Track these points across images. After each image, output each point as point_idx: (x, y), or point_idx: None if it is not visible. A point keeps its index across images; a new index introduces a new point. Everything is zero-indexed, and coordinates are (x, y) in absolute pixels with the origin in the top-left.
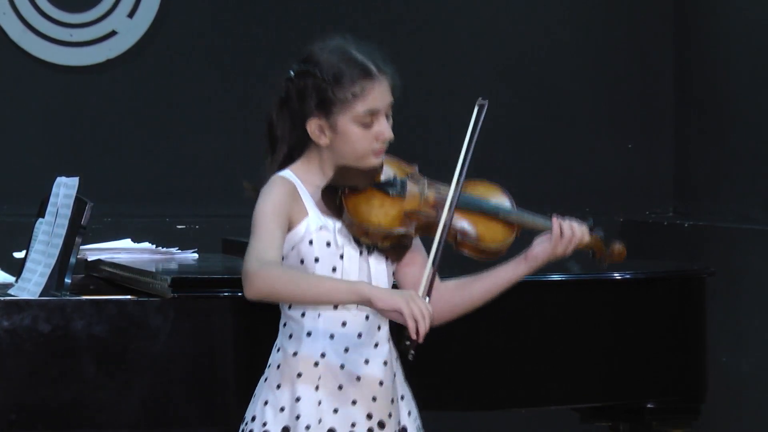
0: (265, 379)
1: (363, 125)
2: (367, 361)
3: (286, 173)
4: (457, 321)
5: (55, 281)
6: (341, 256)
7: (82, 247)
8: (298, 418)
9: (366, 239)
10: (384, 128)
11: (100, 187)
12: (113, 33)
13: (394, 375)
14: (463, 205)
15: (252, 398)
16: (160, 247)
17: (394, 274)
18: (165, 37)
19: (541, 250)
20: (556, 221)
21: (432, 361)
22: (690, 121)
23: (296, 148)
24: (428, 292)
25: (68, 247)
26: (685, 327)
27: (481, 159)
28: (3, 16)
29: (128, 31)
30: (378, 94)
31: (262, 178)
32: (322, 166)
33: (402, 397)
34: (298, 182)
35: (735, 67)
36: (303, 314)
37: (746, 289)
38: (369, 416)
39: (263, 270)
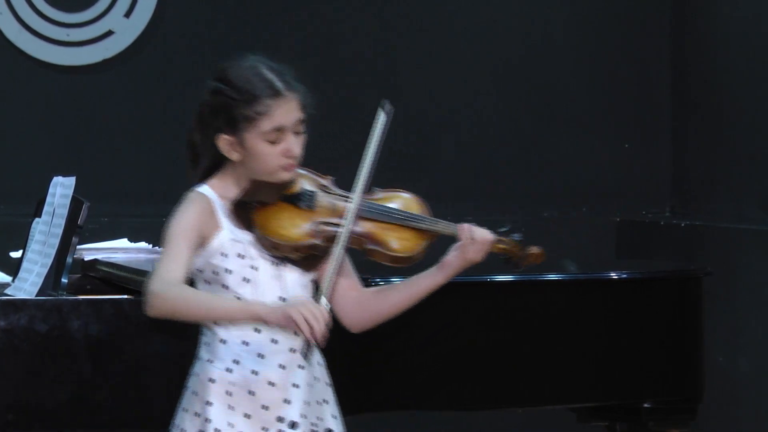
0: (187, 387)
1: (270, 142)
2: (282, 366)
3: (204, 189)
4: (455, 320)
5: (51, 281)
6: (253, 267)
7: (78, 246)
8: (207, 421)
9: (276, 252)
10: (291, 145)
11: (96, 187)
12: (110, 33)
13: (316, 379)
14: (369, 215)
15: (177, 407)
16: (157, 247)
17: (315, 280)
18: (162, 37)
19: (453, 257)
20: (462, 228)
21: (429, 360)
22: (687, 121)
23: (216, 161)
24: (329, 297)
25: (65, 246)
26: (682, 327)
27: (479, 158)
28: (0, 16)
29: (125, 30)
30: (284, 112)
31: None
32: (238, 180)
33: (326, 401)
34: (214, 197)
35: (732, 67)
36: (216, 322)
37: (743, 289)
38: (280, 419)
39: (165, 291)
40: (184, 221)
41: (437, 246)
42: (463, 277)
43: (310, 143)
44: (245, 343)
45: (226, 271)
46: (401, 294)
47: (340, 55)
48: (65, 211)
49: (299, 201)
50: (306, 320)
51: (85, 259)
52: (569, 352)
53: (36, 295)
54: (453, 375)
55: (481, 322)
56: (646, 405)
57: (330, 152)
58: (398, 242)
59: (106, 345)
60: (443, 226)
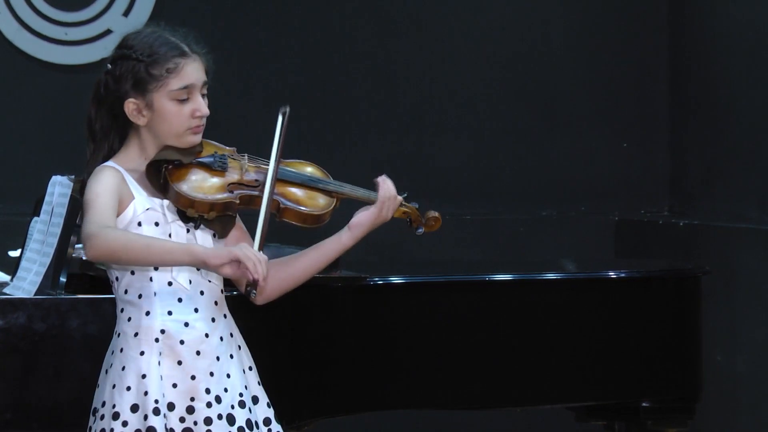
0: (111, 365)
1: (178, 102)
2: (207, 335)
3: (109, 164)
4: (453, 320)
5: (50, 280)
6: (169, 235)
7: (77, 245)
8: (146, 394)
9: (192, 210)
10: (199, 104)
11: None
12: (108, 32)
13: (239, 347)
14: (283, 177)
15: (96, 389)
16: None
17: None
18: None
19: (363, 215)
20: (383, 181)
21: (428, 360)
22: (685, 121)
23: (118, 140)
24: (261, 247)
25: (63, 245)
26: (680, 326)
27: (478, 157)
28: None
29: (123, 29)
30: (192, 71)
31: (88, 174)
32: (144, 149)
33: (250, 368)
34: (121, 169)
35: (730, 67)
36: (140, 296)
37: (741, 288)
38: (207, 391)
39: (103, 232)
40: (103, 184)
41: (343, 216)
42: (463, 276)
43: (310, 142)
44: (170, 312)
45: None
46: (310, 258)
47: (340, 55)
48: (63, 210)
49: (213, 162)
50: (250, 258)
51: (84, 257)
52: (568, 351)
53: (34, 294)
54: (452, 375)
55: (479, 322)
56: (644, 404)
57: (330, 151)
58: (309, 200)
59: (105, 344)
60: (349, 189)
